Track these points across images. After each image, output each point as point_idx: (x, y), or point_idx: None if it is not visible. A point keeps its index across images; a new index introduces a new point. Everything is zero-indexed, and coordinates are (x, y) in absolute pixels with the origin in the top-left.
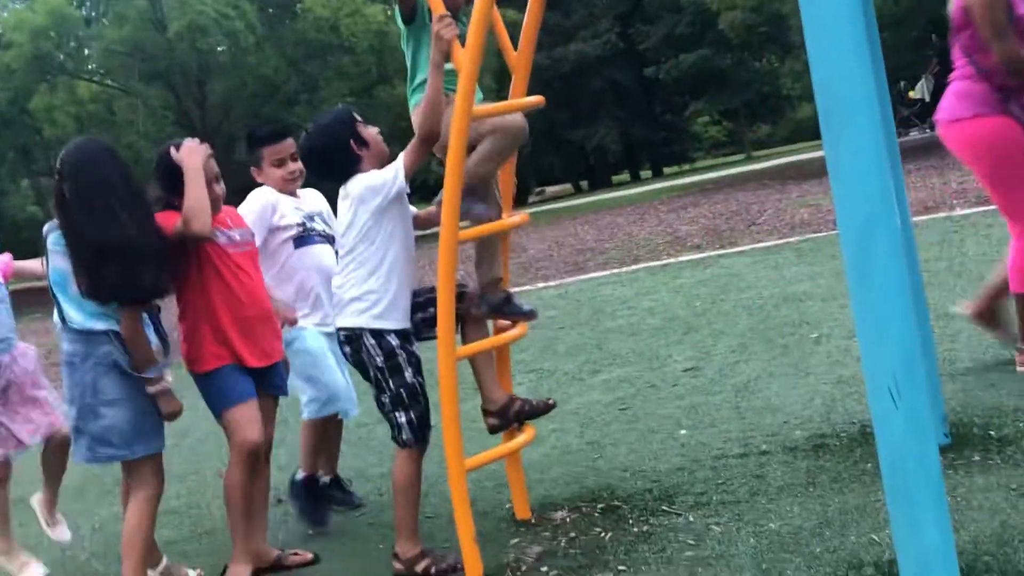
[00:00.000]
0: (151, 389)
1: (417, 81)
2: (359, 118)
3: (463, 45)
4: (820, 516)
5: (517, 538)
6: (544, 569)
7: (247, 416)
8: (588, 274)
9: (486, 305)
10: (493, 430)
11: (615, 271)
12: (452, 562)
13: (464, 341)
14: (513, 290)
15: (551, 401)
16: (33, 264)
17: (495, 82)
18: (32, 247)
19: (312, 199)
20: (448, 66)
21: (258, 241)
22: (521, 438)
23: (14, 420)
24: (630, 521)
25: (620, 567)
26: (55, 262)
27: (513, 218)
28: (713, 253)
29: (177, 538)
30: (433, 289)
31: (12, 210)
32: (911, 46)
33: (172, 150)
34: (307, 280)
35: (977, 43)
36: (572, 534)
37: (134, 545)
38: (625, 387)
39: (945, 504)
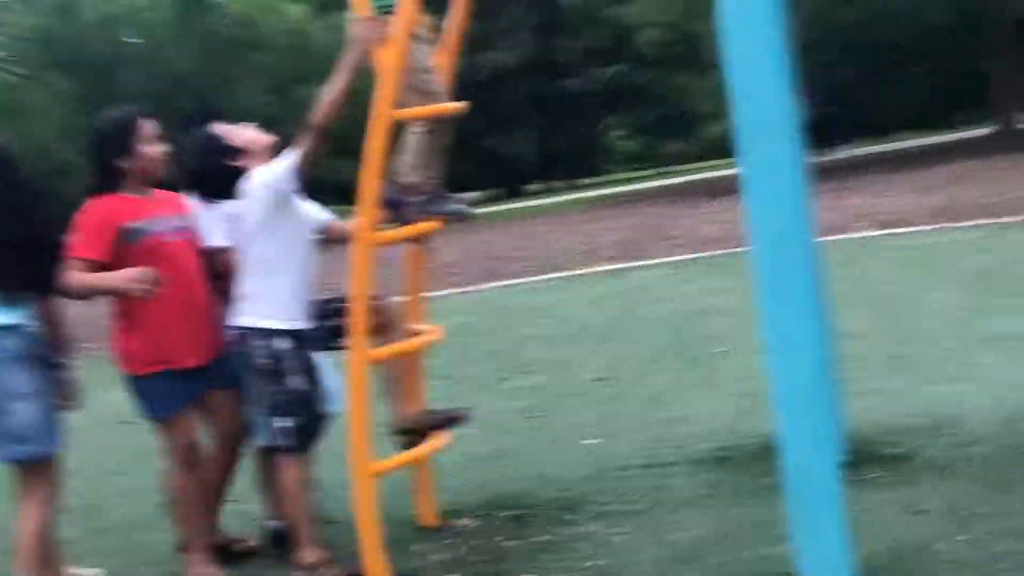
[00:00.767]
0: (68, 375)
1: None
2: (221, 131)
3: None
4: (720, 528)
5: (420, 545)
6: None
7: (181, 423)
8: (503, 281)
9: (413, 205)
10: (404, 446)
11: (530, 279)
12: (354, 570)
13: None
14: (423, 295)
15: (462, 414)
16: None
17: None
18: None
19: None
20: None
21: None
22: (430, 444)
23: None
24: (533, 529)
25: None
26: None
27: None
28: (627, 265)
29: (73, 538)
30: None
31: None
32: (822, 69)
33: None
34: None
35: None
36: (475, 542)
37: (33, 550)
38: (536, 395)
39: (845, 518)
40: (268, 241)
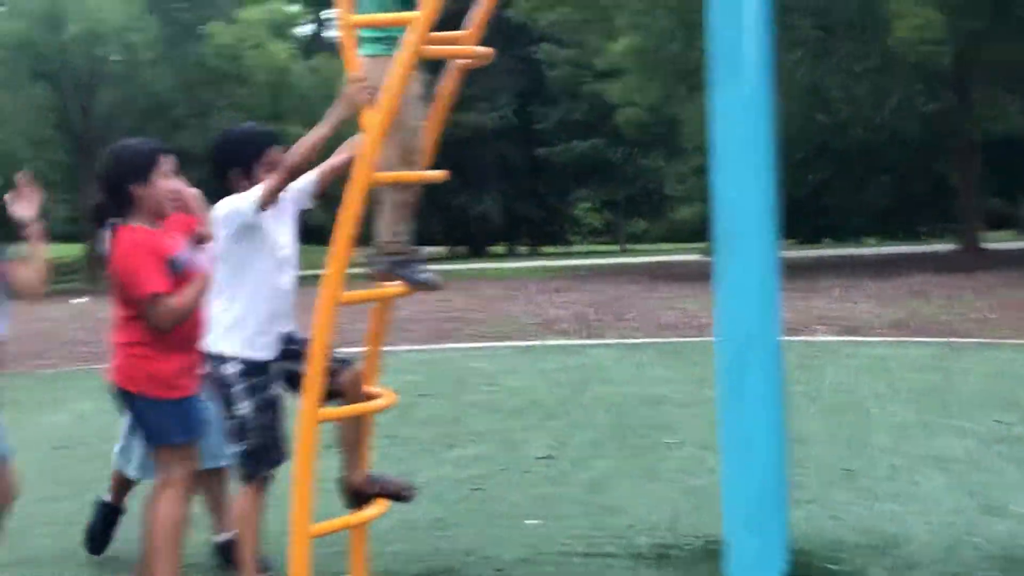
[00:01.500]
0: None
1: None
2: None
3: None
4: None
5: None
6: None
7: (193, 449)
8: (455, 343)
9: (384, 263)
10: (348, 505)
11: (483, 345)
12: None
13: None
14: (381, 350)
15: (410, 490)
16: None
17: None
18: None
19: None
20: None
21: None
22: (371, 510)
23: None
24: None
25: None
26: None
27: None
28: (580, 341)
29: None
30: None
31: None
32: (795, 167)
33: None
34: None
35: None
36: None
37: None
38: (479, 466)
39: None
40: (228, 268)
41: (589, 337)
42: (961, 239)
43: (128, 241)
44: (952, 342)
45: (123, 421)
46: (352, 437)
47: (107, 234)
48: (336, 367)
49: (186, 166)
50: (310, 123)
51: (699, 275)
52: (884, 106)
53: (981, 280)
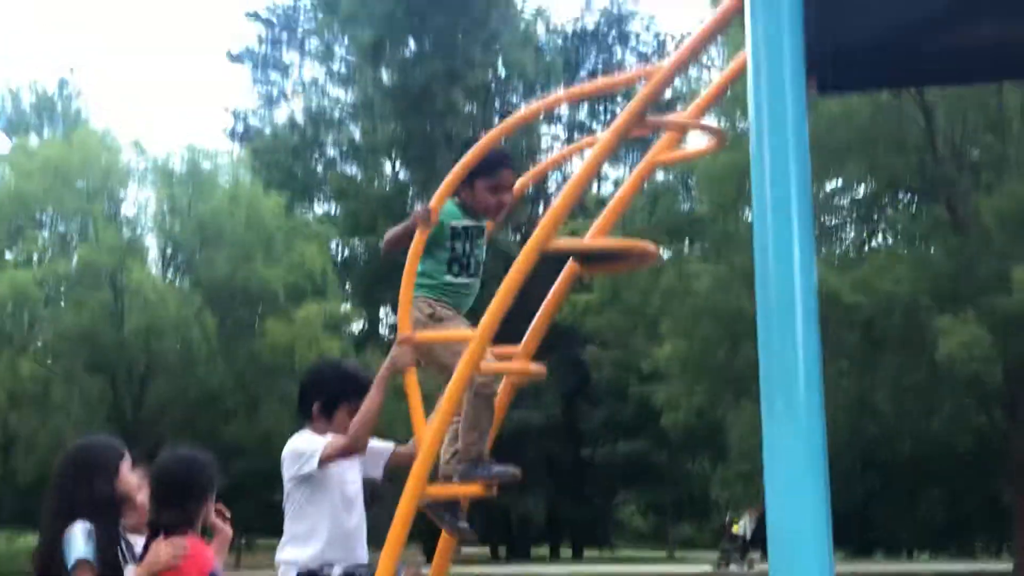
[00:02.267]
0: None
1: (417, 276)
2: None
3: None
4: None
5: None
6: None
7: None
8: None
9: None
10: None
11: None
12: None
13: None
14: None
15: None
16: None
17: None
18: None
19: None
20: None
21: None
22: None
23: None
24: None
25: None
26: None
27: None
28: None
29: None
30: None
31: None
32: (842, 478)
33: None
34: None
35: None
36: None
37: None
38: None
39: None
40: (302, 508)
41: None
42: (1019, 557)
43: (198, 555)
44: None
45: None
46: None
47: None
48: None
49: (234, 457)
50: None
51: None
52: (934, 418)
53: None
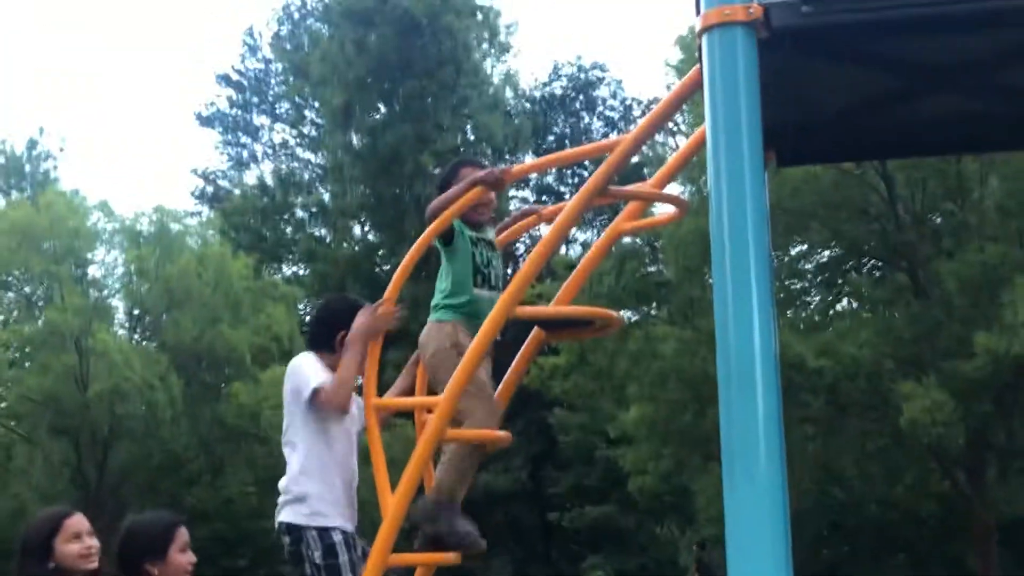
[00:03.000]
0: None
1: (439, 295)
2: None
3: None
4: None
5: None
6: None
7: None
8: None
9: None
10: None
11: None
12: None
13: None
14: None
15: None
16: None
17: None
18: None
19: None
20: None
21: None
22: None
23: None
24: None
25: None
26: None
27: None
28: None
29: None
30: None
31: None
32: (808, 543)
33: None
34: None
35: None
36: None
37: None
38: None
39: None
40: (308, 442)
41: None
42: None
43: None
44: None
45: None
46: None
47: None
48: None
49: (197, 523)
50: None
51: None
52: (898, 484)
53: None
